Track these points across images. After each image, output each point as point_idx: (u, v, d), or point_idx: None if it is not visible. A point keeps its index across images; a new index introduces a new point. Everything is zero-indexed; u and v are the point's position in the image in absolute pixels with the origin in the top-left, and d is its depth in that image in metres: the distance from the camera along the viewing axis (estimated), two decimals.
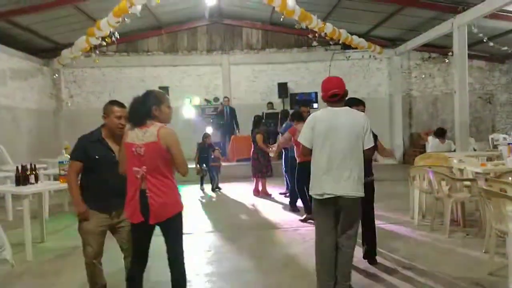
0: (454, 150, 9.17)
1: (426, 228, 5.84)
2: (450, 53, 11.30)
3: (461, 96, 10.17)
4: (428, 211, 6.25)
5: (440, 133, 8.97)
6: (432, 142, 9.42)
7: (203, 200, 9.07)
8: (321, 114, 3.59)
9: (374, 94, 14.55)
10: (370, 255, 4.56)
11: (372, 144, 3.51)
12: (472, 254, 4.76)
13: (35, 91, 12.84)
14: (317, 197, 3.50)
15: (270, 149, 8.77)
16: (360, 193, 3.46)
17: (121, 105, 3.52)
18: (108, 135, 3.48)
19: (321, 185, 3.47)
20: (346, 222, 3.51)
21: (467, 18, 9.78)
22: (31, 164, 5.56)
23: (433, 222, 5.81)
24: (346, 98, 3.70)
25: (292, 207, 7.52)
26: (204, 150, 9.82)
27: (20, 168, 5.42)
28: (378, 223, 6.07)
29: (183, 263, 3.17)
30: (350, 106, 3.82)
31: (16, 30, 11.13)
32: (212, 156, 9.84)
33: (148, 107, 3.05)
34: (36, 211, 5.92)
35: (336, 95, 3.54)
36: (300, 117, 7.12)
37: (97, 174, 3.41)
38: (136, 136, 3.01)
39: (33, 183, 5.40)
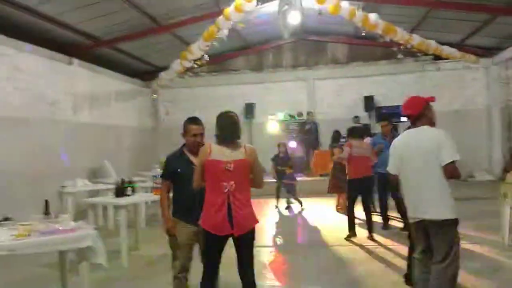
0: None
1: None
2: None
3: None
4: None
5: None
6: None
7: (282, 214, 9.26)
8: (400, 138, 3.68)
9: (470, 105, 13.71)
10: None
11: (451, 160, 3.23)
12: None
13: (136, 110, 14.11)
14: (410, 220, 3.53)
15: None
16: (445, 215, 3.26)
17: (197, 122, 3.71)
18: (189, 150, 3.70)
19: (410, 209, 3.49)
20: (434, 247, 3.34)
21: None
22: (128, 178, 6.20)
23: None
24: None
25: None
26: (279, 162, 9.71)
27: (119, 181, 6.08)
28: (464, 242, 5.82)
29: (254, 273, 3.38)
30: None
31: (119, 55, 12.41)
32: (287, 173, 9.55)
33: (240, 126, 3.39)
34: (133, 220, 6.54)
35: (410, 115, 3.54)
36: (354, 133, 7.00)
37: (182, 187, 3.61)
38: (222, 153, 3.24)
39: (130, 195, 6.00)
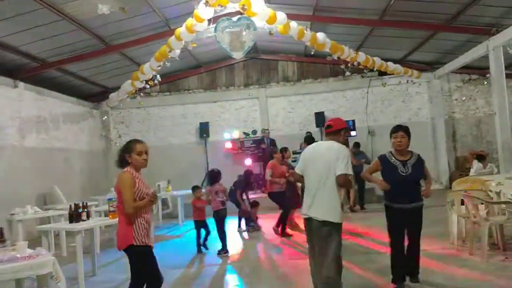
0: (498, 172, 8.97)
1: (465, 253, 5.74)
2: (488, 75, 11.12)
3: (501, 117, 9.97)
4: (469, 235, 6.13)
5: (480, 158, 8.86)
6: (476, 166, 9.24)
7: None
8: (310, 146, 4.19)
9: (416, 118, 14.40)
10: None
11: (343, 172, 3.69)
12: (509, 276, 4.68)
13: (86, 133, 13.70)
14: (302, 216, 3.99)
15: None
16: (326, 217, 3.71)
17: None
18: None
19: (303, 207, 3.94)
20: (317, 246, 3.82)
21: (501, 40, 9.69)
22: (83, 202, 6.00)
23: (471, 246, 5.71)
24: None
25: None
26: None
27: (72, 206, 5.88)
28: None
29: None
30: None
31: (67, 77, 12.06)
32: None
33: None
34: (88, 246, 6.33)
35: (329, 126, 4.03)
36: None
37: None
38: (140, 177, 3.69)
39: (85, 220, 5.81)
